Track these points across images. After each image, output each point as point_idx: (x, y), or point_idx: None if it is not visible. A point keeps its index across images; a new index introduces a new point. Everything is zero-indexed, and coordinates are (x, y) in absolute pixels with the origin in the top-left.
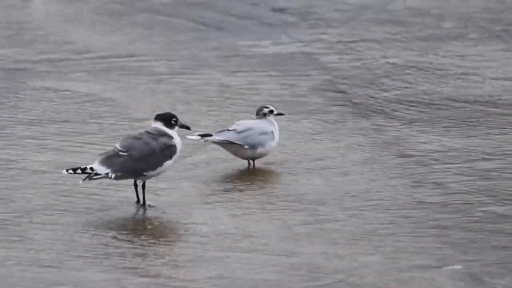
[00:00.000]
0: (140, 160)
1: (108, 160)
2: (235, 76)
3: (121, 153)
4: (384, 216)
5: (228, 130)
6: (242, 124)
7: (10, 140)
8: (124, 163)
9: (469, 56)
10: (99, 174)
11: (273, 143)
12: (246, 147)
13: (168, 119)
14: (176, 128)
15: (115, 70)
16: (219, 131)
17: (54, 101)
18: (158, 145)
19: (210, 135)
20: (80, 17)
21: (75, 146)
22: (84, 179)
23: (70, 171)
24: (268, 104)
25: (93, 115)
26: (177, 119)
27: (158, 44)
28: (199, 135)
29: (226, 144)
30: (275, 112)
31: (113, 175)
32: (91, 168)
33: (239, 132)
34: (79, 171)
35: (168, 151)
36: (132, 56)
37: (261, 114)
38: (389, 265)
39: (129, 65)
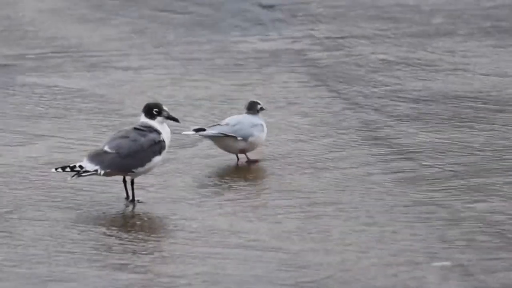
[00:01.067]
0: (128, 157)
1: (97, 157)
2: (225, 72)
3: (110, 152)
4: (376, 213)
5: (220, 124)
6: (233, 118)
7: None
8: (112, 160)
9: (459, 52)
10: (88, 171)
11: (263, 135)
12: (240, 138)
13: (149, 110)
14: (160, 118)
15: (103, 65)
16: (212, 126)
17: (44, 97)
18: (146, 141)
19: (204, 129)
20: (71, 13)
21: (64, 142)
22: (73, 176)
23: (59, 169)
24: (258, 100)
25: (82, 111)
26: (160, 109)
27: (147, 39)
28: (193, 129)
29: (219, 138)
30: (263, 107)
31: (102, 172)
32: (80, 166)
33: (232, 126)
34: (68, 169)
35: (157, 147)
36: (120, 51)
37: (254, 110)
38: (379, 261)
39: (116, 61)
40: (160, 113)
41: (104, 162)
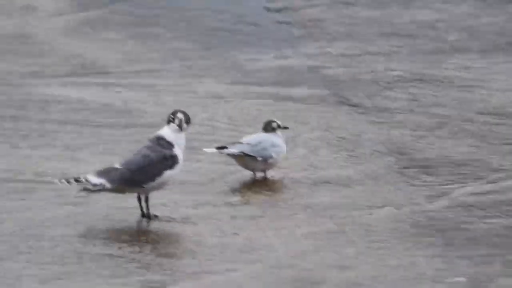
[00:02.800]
0: (137, 172)
1: (105, 172)
2: (237, 88)
3: (119, 168)
4: (390, 228)
5: (241, 143)
6: (254, 137)
7: (14, 150)
8: (121, 175)
9: (474, 69)
10: (95, 184)
11: (282, 155)
12: (260, 159)
13: (168, 117)
14: (172, 125)
15: (116, 80)
16: (233, 144)
17: (60, 112)
18: (156, 156)
19: (226, 147)
20: (86, 30)
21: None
22: (80, 190)
23: (63, 181)
24: (274, 118)
25: (105, 124)
26: (174, 116)
27: (158, 54)
28: (216, 147)
29: (240, 157)
30: (281, 126)
31: (109, 185)
32: (86, 179)
33: (254, 145)
34: (72, 180)
35: (169, 161)
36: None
37: (270, 128)
38: (394, 276)
39: (131, 76)
40: (173, 120)
41: (111, 176)
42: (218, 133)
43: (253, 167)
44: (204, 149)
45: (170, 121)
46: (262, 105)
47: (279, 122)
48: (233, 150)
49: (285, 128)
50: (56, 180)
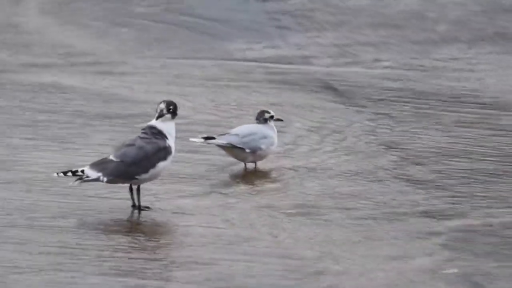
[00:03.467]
0: (132, 164)
1: (100, 164)
2: (232, 80)
3: (114, 160)
4: (385, 221)
5: (230, 134)
6: (243, 128)
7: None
8: (116, 168)
9: (463, 59)
10: (90, 177)
11: (273, 147)
12: (248, 150)
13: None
14: (164, 117)
15: (109, 73)
16: (221, 134)
17: (52, 101)
18: (151, 149)
19: (213, 138)
20: (75, 20)
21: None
22: (75, 181)
23: (61, 174)
24: (267, 109)
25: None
26: (157, 106)
27: (151, 48)
28: (202, 137)
29: (228, 148)
30: (274, 117)
31: (105, 179)
32: (82, 171)
33: (242, 137)
34: (69, 173)
35: (163, 152)
36: (123, 61)
37: (261, 119)
38: (388, 269)
39: (119, 71)
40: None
41: (107, 169)
42: (207, 123)
43: (242, 158)
44: (191, 139)
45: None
46: (254, 95)
47: (272, 113)
48: (221, 141)
49: (279, 120)
50: (55, 174)
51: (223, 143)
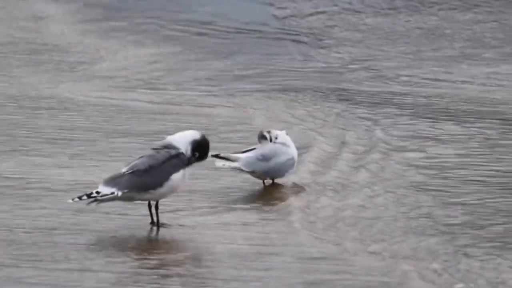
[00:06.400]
0: (145, 175)
1: (113, 180)
2: (249, 95)
3: (126, 173)
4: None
5: (257, 158)
6: (268, 149)
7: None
8: (129, 180)
9: (482, 76)
10: (106, 195)
11: (294, 168)
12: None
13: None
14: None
15: (125, 83)
16: (245, 153)
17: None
18: (161, 156)
19: (223, 157)
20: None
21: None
22: (90, 203)
23: (76, 199)
24: (269, 129)
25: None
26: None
27: (169, 60)
28: (217, 155)
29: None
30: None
31: (120, 193)
32: (97, 192)
33: (267, 161)
34: (84, 197)
35: (175, 160)
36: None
37: (266, 139)
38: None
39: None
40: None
41: (121, 183)
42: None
43: (262, 178)
44: (216, 164)
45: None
46: (275, 110)
47: (271, 135)
48: (245, 168)
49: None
50: (69, 200)
51: (247, 171)
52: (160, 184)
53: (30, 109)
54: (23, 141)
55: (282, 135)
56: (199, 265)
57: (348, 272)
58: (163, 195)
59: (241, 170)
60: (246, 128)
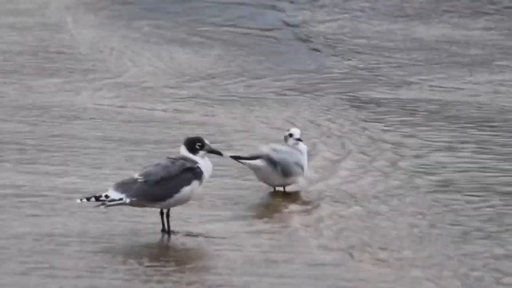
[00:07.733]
0: (156, 186)
1: (124, 185)
2: (259, 102)
3: (138, 180)
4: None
5: (267, 157)
6: (278, 150)
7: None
8: (139, 189)
9: (495, 82)
10: (114, 200)
11: (304, 173)
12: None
13: (191, 144)
14: (202, 153)
15: (142, 90)
16: (258, 155)
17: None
18: (176, 167)
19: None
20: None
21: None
22: (98, 206)
23: (84, 199)
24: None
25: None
26: (203, 143)
27: (184, 67)
28: (233, 157)
29: (260, 170)
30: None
31: (128, 200)
32: (106, 196)
33: (277, 161)
34: (93, 199)
35: (189, 174)
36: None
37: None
38: None
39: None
40: (202, 147)
41: (131, 191)
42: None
43: (272, 182)
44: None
45: (197, 149)
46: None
47: (292, 132)
48: (259, 164)
49: (299, 140)
50: (78, 200)
51: (259, 166)
52: (169, 195)
53: (41, 118)
54: (32, 149)
55: (301, 144)
56: (210, 272)
57: (360, 279)
58: (172, 205)
59: (259, 163)
60: (249, 135)
